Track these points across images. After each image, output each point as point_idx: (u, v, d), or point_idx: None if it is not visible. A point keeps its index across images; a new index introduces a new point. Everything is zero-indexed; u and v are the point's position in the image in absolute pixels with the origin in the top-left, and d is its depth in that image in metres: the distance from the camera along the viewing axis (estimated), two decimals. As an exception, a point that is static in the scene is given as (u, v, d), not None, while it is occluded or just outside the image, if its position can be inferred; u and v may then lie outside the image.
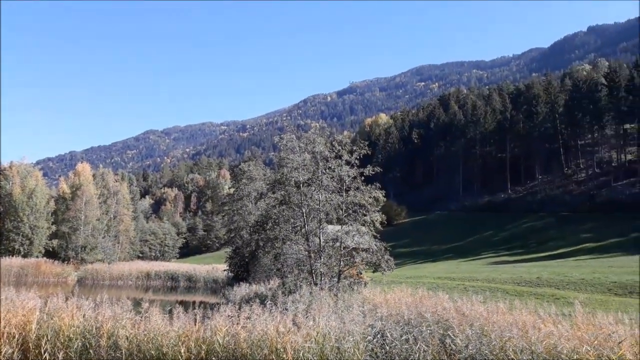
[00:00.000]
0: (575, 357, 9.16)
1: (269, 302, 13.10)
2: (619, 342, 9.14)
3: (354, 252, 24.51)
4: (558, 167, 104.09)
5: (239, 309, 11.99)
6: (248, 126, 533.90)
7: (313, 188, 25.07)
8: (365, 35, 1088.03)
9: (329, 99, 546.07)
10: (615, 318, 12.91)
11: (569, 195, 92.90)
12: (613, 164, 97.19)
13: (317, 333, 10.41)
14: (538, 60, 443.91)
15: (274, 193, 28.33)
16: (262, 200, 35.47)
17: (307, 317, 11.52)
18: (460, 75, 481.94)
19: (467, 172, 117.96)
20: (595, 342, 9.31)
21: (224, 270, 52.26)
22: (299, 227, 25.29)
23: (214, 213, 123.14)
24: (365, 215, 24.38)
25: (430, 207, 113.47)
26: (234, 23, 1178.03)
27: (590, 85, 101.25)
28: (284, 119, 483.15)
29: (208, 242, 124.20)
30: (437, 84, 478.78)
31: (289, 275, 25.14)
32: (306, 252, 24.96)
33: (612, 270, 35.97)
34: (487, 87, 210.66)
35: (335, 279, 24.20)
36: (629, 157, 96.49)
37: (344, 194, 24.85)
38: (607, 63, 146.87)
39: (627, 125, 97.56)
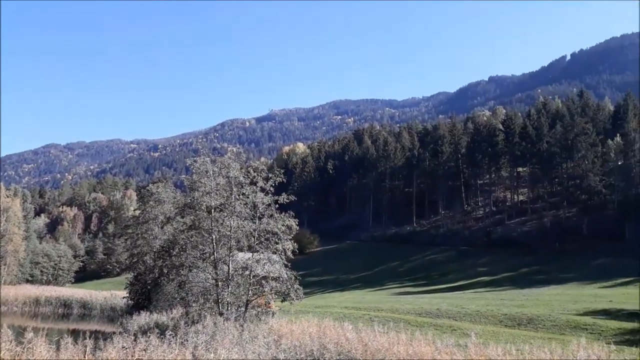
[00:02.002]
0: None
1: (170, 332, 12.49)
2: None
3: (263, 281, 24.22)
4: (459, 203, 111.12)
5: (135, 339, 11.29)
6: (160, 146, 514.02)
7: (225, 214, 24.61)
8: (286, 65, 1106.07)
9: (247, 124, 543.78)
10: (504, 349, 13.83)
11: (468, 230, 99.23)
12: (507, 203, 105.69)
13: (218, 366, 10.06)
14: (445, 103, 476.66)
15: (183, 217, 27.43)
16: (170, 224, 34.20)
17: (208, 349, 11.10)
18: (374, 112, 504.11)
19: (377, 204, 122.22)
20: (485, 372, 9.87)
21: (124, 297, 49.21)
22: (207, 254, 24.57)
23: (116, 236, 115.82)
24: (277, 243, 24.32)
25: (342, 235, 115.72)
26: (149, 36, 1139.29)
27: (489, 130, 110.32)
28: (200, 140, 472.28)
29: (108, 266, 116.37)
30: (352, 118, 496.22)
31: (193, 305, 24.16)
32: (213, 281, 24.23)
33: (504, 302, 38.66)
34: (398, 125, 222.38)
35: (243, 309, 23.67)
36: (521, 197, 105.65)
37: (257, 221, 24.66)
38: (504, 111, 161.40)
39: (520, 169, 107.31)
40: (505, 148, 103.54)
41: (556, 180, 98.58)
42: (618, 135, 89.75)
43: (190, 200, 25.69)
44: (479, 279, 68.65)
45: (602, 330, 24.73)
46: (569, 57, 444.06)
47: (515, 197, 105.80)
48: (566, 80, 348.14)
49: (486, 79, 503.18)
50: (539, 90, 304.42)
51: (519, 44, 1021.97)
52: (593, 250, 72.07)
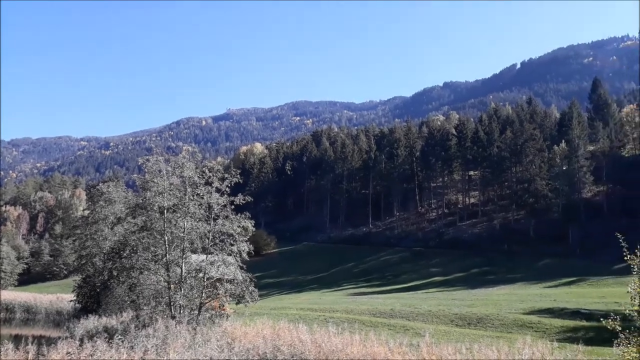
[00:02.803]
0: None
1: (119, 336, 12.10)
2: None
3: (217, 284, 23.88)
4: (413, 205, 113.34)
5: (81, 344, 10.86)
6: (112, 144, 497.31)
7: (178, 215, 24.11)
8: (244, 64, 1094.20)
9: (204, 123, 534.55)
10: (455, 348, 14.20)
11: (421, 232, 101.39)
12: (459, 206, 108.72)
13: (169, 371, 9.82)
14: (401, 107, 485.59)
15: (134, 218, 26.70)
16: (121, 225, 33.24)
17: (159, 353, 10.82)
18: (332, 114, 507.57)
19: (334, 205, 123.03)
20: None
21: (71, 300, 47.41)
22: (159, 256, 23.97)
23: (64, 237, 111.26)
24: (232, 245, 24.01)
25: (300, 237, 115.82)
26: (100, 30, 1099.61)
27: (443, 135, 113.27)
28: (154, 139, 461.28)
29: (54, 268, 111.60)
30: (311, 120, 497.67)
31: (144, 308, 23.51)
32: (166, 283, 23.67)
33: (455, 302, 39.72)
34: (355, 127, 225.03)
35: (196, 312, 23.24)
36: (472, 200, 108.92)
37: (212, 223, 24.28)
38: (457, 116, 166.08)
39: (472, 172, 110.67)
40: (457, 152, 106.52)
41: (505, 183, 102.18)
42: (563, 141, 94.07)
43: (142, 200, 25.04)
44: (431, 279, 70.23)
45: (547, 329, 25.84)
46: (519, 66, 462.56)
47: (467, 199, 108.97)
48: (516, 88, 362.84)
49: (441, 84, 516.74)
50: (491, 97, 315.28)
51: (472, 51, 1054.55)
52: (539, 251, 75.21)
